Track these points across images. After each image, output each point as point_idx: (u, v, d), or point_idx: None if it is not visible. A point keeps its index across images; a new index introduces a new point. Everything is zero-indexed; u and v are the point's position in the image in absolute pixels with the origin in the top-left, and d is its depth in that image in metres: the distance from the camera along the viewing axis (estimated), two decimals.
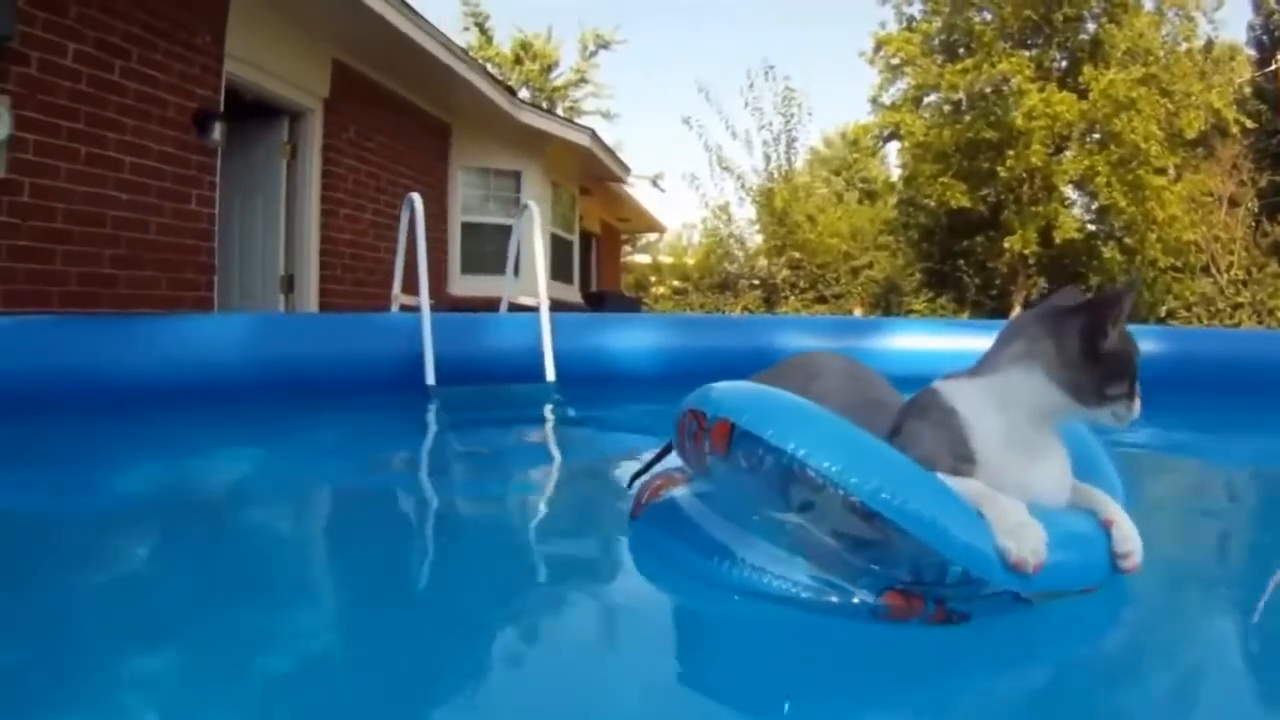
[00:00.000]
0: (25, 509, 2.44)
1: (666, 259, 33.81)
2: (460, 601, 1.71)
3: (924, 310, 24.23)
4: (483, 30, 27.00)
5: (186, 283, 7.20)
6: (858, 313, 23.88)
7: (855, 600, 1.45)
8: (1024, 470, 1.52)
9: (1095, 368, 1.48)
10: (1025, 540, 1.38)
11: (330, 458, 3.42)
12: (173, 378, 4.48)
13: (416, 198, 5.51)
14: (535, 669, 1.45)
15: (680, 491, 1.77)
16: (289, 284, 9.19)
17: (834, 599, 1.46)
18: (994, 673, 1.47)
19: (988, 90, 22.07)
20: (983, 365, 1.58)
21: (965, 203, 22.11)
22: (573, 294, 15.43)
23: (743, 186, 25.66)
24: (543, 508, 2.68)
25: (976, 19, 22.69)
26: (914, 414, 1.62)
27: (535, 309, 5.37)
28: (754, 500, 1.55)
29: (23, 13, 5.56)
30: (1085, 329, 1.48)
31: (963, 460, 1.51)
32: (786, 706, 1.29)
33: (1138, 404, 1.52)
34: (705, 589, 1.57)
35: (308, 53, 9.05)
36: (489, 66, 24.18)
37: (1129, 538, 1.51)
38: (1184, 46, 22.15)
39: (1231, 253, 22.40)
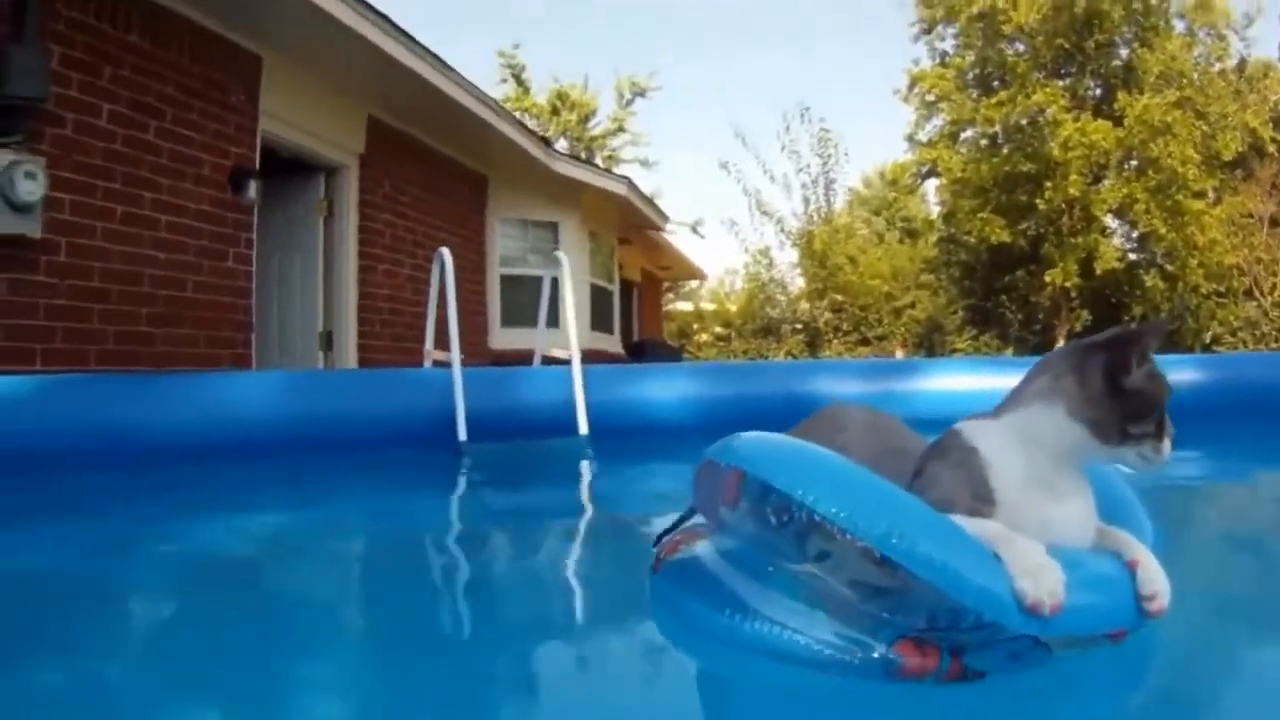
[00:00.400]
0: (63, 563, 2.49)
1: (709, 306, 33.88)
2: (479, 660, 1.71)
3: (967, 348, 24.09)
4: (519, 81, 27.35)
5: (224, 340, 7.24)
6: (899, 354, 23.75)
7: (875, 655, 1.39)
8: (1045, 510, 1.46)
9: (1118, 405, 1.42)
10: (1043, 581, 1.31)
11: (360, 514, 3.43)
12: (206, 434, 4.52)
13: (446, 252, 5.49)
14: None
15: (701, 546, 1.73)
16: (328, 341, 9.24)
17: (850, 655, 1.40)
18: None
19: (1023, 122, 22.06)
20: (1007, 403, 1.53)
21: (1005, 237, 22.04)
22: (614, 344, 15.45)
23: (782, 230, 25.73)
24: (567, 564, 2.68)
25: (1009, 51, 22.73)
26: (935, 455, 1.58)
27: (568, 362, 5.31)
28: (771, 552, 1.51)
29: (57, 75, 5.64)
30: (1108, 364, 1.42)
31: (981, 500, 1.45)
32: None
33: (1167, 445, 1.45)
34: (719, 645, 1.52)
35: (342, 110, 9.16)
36: (526, 117, 24.51)
37: (1155, 579, 1.43)
38: (1217, 67, 22.11)
39: (1275, 274, 22.13)
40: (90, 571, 2.40)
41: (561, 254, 6.15)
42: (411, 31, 8.71)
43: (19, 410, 4.18)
